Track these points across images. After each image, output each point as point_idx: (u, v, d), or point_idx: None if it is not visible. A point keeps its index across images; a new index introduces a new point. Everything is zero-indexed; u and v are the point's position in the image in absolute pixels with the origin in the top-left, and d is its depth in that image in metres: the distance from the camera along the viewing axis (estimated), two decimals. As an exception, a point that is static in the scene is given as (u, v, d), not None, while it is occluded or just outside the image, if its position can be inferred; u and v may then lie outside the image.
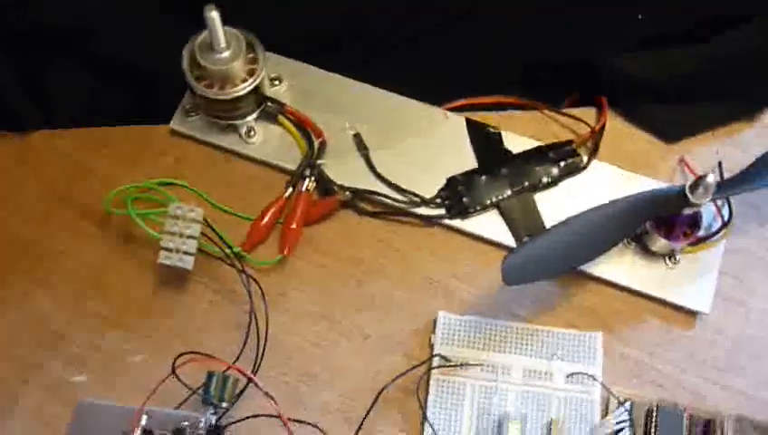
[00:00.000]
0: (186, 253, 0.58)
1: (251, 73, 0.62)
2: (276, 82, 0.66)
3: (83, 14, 0.65)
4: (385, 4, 0.69)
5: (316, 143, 0.64)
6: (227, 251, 0.60)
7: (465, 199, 0.63)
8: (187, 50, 0.61)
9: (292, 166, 0.64)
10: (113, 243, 0.62)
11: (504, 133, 0.65)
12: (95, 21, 0.65)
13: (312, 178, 0.62)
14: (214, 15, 0.57)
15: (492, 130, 0.65)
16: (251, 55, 0.62)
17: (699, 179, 0.53)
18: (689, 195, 0.54)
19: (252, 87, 0.61)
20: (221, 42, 0.59)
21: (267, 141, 0.65)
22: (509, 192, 0.63)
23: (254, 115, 0.64)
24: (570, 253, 0.54)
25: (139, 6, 0.67)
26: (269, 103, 0.64)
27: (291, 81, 0.66)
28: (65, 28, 0.65)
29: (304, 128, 0.64)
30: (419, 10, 0.69)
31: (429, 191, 0.63)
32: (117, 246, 0.62)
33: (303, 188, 0.62)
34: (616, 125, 0.66)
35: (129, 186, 0.61)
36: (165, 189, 0.62)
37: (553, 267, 0.56)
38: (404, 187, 0.63)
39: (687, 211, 0.56)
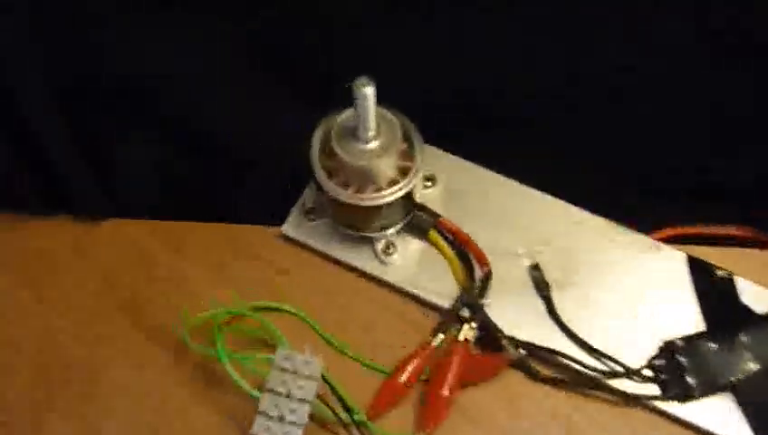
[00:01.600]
0: (292, 423, 0.40)
1: (403, 173, 0.45)
2: (428, 184, 0.49)
3: (169, 77, 0.49)
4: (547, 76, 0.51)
5: (479, 273, 0.46)
6: (346, 418, 0.42)
7: (687, 376, 0.44)
8: (320, 134, 0.45)
9: (443, 302, 0.46)
10: (188, 379, 0.46)
11: (737, 280, 0.47)
12: (183, 86, 0.49)
13: (473, 324, 0.45)
14: (368, 93, 0.40)
15: (722, 274, 0.47)
16: (404, 147, 0.45)
17: None
18: None
19: (403, 193, 0.44)
20: (370, 128, 0.42)
21: (410, 263, 0.47)
22: (752, 368, 0.44)
23: (398, 227, 0.47)
24: None
25: (244, 76, 0.50)
26: (419, 213, 0.47)
27: (446, 182, 0.49)
28: (144, 92, 0.49)
29: (464, 250, 0.47)
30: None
31: (635, 357, 0.45)
32: (192, 384, 0.45)
33: (460, 337, 0.44)
34: None
35: (217, 310, 0.44)
36: (263, 315, 0.45)
37: None
38: (599, 347, 0.45)
39: None
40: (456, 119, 0.49)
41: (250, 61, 0.50)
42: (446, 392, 0.43)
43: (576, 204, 0.49)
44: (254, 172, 0.50)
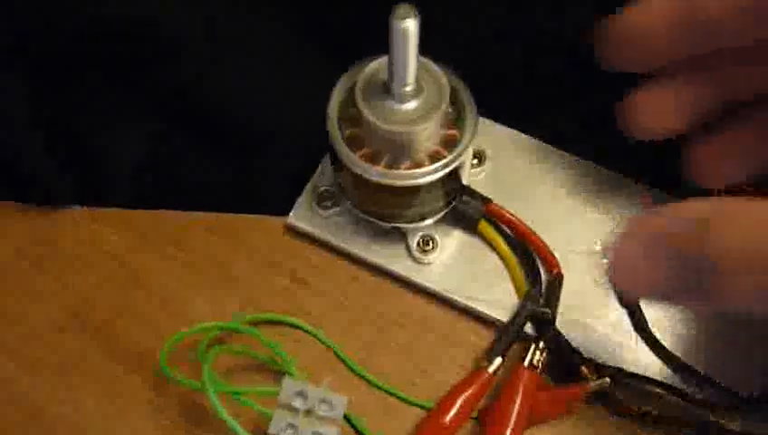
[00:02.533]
0: (305, 481, 0.29)
1: (449, 144, 0.34)
2: (475, 162, 0.38)
3: (160, 30, 0.38)
4: None
5: (545, 277, 0.36)
6: (377, 470, 0.31)
7: (828, 412, 0.33)
8: (341, 90, 0.34)
9: (499, 314, 0.35)
10: (169, 419, 0.35)
11: None
12: (176, 42, 0.38)
13: (541, 344, 0.34)
14: (409, 28, 0.29)
15: None
16: (451, 112, 0.34)
17: None
18: None
19: (449, 169, 0.33)
20: (409, 81, 0.32)
21: (455, 264, 0.37)
22: None
23: (438, 216, 0.36)
24: None
25: (254, 31, 0.40)
26: (466, 198, 0.36)
27: (498, 160, 0.39)
28: (131, 54, 0.38)
29: (526, 247, 0.36)
30: None
31: (752, 385, 0.34)
32: (175, 425, 0.34)
33: (525, 362, 0.34)
34: None
35: (204, 325, 0.34)
36: (265, 333, 0.35)
37: None
38: (704, 373, 0.34)
39: None
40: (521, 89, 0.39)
41: (262, 16, 0.39)
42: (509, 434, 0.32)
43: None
44: (260, 147, 0.40)
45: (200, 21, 0.39)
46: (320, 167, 0.38)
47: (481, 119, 0.37)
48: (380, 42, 0.31)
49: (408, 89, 0.32)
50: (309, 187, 0.38)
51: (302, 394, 0.30)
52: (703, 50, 0.30)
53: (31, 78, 0.37)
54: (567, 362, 0.34)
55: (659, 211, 0.27)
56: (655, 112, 0.32)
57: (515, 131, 0.39)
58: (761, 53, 0.30)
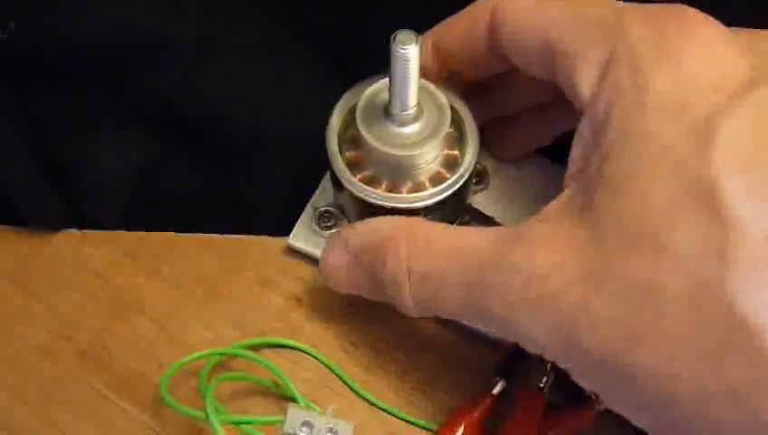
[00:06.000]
0: None
1: (450, 165, 0.34)
2: (474, 179, 0.38)
3: (144, 44, 0.38)
4: None
5: (549, 297, 0.35)
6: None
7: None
8: (341, 112, 0.34)
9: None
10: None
11: None
12: (166, 54, 0.38)
13: (548, 367, 0.34)
14: (411, 55, 0.29)
15: None
16: (452, 132, 0.34)
17: None
18: None
19: (451, 192, 0.33)
20: (410, 104, 0.31)
21: (458, 284, 0.36)
22: None
23: (441, 237, 0.36)
24: None
25: (248, 43, 0.39)
26: (468, 218, 0.36)
27: (498, 178, 0.38)
28: (113, 63, 0.37)
29: (529, 267, 0.36)
30: None
31: None
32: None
33: (531, 384, 0.33)
34: None
35: (206, 352, 0.33)
36: (266, 356, 0.34)
37: None
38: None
39: None
40: None
41: (254, 26, 0.39)
42: (514, 460, 0.32)
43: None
44: (258, 165, 0.39)
45: (190, 35, 0.38)
46: (320, 186, 0.38)
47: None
48: (377, 49, 0.30)
49: (409, 113, 0.32)
50: (309, 207, 0.38)
51: (307, 423, 0.29)
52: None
53: (14, 98, 0.37)
54: (572, 385, 0.34)
55: (358, 226, 0.31)
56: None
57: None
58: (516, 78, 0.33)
